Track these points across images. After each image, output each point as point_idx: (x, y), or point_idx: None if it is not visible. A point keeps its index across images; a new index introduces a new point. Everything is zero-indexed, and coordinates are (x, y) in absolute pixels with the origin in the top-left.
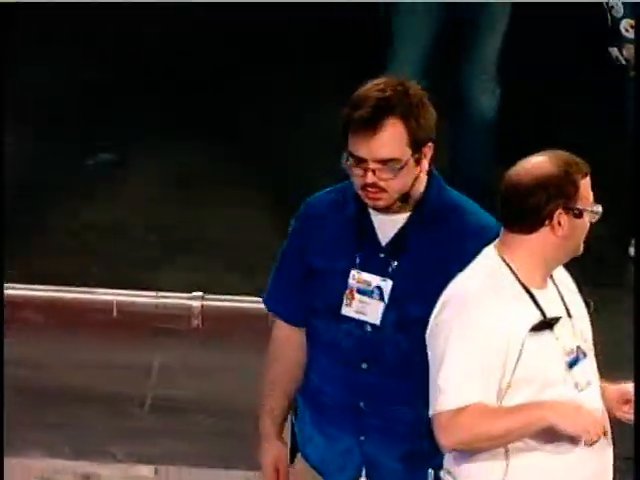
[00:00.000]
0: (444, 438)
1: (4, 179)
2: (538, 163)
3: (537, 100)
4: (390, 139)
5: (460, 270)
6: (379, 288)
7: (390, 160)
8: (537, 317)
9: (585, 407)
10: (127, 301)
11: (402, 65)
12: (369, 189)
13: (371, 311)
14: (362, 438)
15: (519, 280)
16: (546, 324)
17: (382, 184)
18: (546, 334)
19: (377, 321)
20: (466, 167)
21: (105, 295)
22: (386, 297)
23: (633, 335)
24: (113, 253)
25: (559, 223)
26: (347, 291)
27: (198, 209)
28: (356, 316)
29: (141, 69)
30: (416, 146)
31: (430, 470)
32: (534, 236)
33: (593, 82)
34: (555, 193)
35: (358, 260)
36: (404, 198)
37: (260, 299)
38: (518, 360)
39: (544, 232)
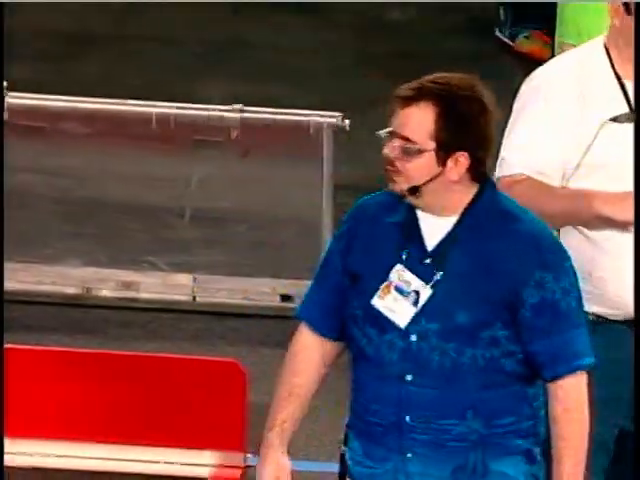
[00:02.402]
0: None
1: (4, 179)
2: None
3: None
4: (415, 120)
5: (508, 277)
6: (417, 293)
7: (407, 140)
8: (623, 108)
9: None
10: (166, 113)
11: None
12: (388, 167)
13: (401, 313)
14: (409, 455)
15: (614, 68)
16: (629, 117)
17: (398, 164)
18: (625, 127)
19: (403, 325)
20: None
21: (145, 107)
22: (420, 304)
23: (634, 335)
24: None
25: None
26: (385, 284)
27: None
28: (383, 311)
29: None
30: (444, 145)
31: None
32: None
33: None
34: None
35: (405, 256)
36: (413, 191)
37: (299, 111)
38: (591, 145)
39: None
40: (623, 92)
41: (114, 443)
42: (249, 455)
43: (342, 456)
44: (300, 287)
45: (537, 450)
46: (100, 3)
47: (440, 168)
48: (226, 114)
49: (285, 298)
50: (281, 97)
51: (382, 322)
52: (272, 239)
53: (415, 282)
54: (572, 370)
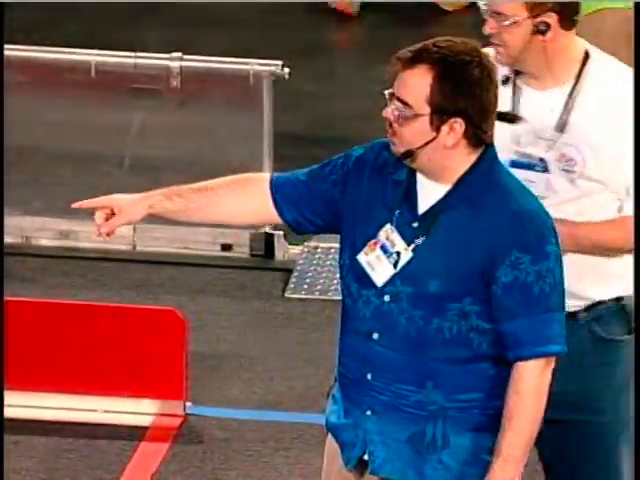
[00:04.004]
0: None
1: (3, 180)
2: None
3: None
4: (411, 83)
5: (484, 252)
6: (398, 254)
7: (404, 103)
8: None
9: None
10: (105, 61)
11: None
12: (387, 128)
13: (380, 271)
14: (368, 413)
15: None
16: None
17: (395, 126)
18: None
19: (379, 283)
20: None
21: (83, 55)
22: (399, 266)
23: (634, 336)
24: (94, 10)
25: None
26: (372, 241)
27: None
28: (365, 267)
29: None
30: (439, 110)
31: None
32: None
33: None
34: None
35: (396, 217)
36: (406, 155)
37: (239, 59)
38: None
39: None
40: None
41: (52, 392)
42: (189, 404)
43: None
44: (240, 237)
45: None
46: None
47: (434, 133)
48: (165, 62)
49: (225, 247)
50: (218, 45)
51: (362, 277)
52: None
53: (399, 243)
54: (534, 355)
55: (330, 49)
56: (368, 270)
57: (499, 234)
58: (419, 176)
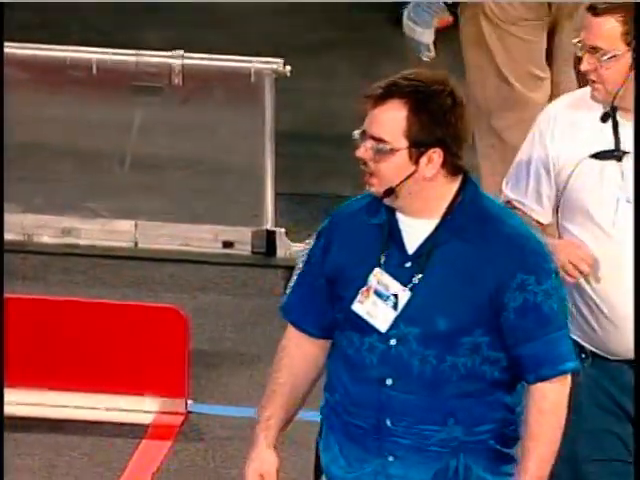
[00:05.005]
0: None
1: (3, 181)
2: None
3: None
4: (386, 119)
5: (489, 281)
6: (395, 297)
7: (379, 140)
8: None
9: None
10: (107, 59)
11: None
12: (363, 168)
13: (381, 317)
14: (390, 459)
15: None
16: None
17: (370, 165)
18: (610, 164)
19: (383, 329)
20: None
21: (85, 53)
22: (399, 308)
23: (634, 336)
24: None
25: None
26: (364, 288)
27: None
28: (363, 316)
29: None
30: (417, 142)
31: None
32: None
33: None
34: None
35: (384, 260)
36: (388, 193)
37: (241, 57)
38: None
39: None
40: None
41: (53, 389)
42: (190, 402)
43: (317, 447)
44: (242, 234)
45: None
46: None
47: (414, 167)
48: (167, 60)
49: (227, 245)
50: (219, 43)
51: (362, 325)
52: (213, 186)
53: (394, 285)
54: (556, 374)
55: (331, 47)
56: (367, 318)
57: (501, 261)
58: (400, 216)
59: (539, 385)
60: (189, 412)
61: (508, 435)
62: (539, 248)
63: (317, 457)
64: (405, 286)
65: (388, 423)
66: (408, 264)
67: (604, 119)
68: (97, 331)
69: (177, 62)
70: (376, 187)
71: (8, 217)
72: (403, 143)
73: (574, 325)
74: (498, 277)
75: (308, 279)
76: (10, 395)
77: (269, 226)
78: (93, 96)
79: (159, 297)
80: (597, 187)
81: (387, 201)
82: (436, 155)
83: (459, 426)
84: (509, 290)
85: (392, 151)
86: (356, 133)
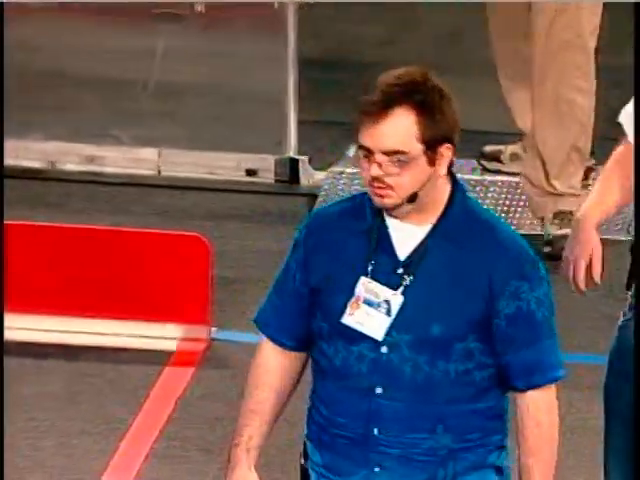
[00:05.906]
0: None
1: (3, 182)
2: None
3: None
4: (397, 129)
5: (483, 287)
6: (387, 302)
7: (395, 152)
8: None
9: None
10: None
11: None
12: (375, 184)
13: (374, 325)
14: (377, 470)
15: None
16: None
17: (388, 180)
18: None
19: (379, 337)
20: None
21: None
22: (393, 313)
23: (634, 338)
24: None
25: None
26: (353, 299)
27: None
28: (356, 327)
29: None
30: (430, 143)
31: None
32: None
33: None
34: None
35: (370, 268)
36: (412, 199)
37: None
38: None
39: None
40: None
41: (77, 316)
42: (213, 329)
43: (303, 470)
44: (265, 162)
45: (505, 463)
46: None
47: (431, 168)
48: None
49: (250, 173)
50: None
51: (351, 334)
52: (236, 114)
53: (383, 291)
54: (547, 381)
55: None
56: (359, 328)
57: (494, 267)
58: (391, 220)
59: (530, 395)
60: (212, 339)
61: (496, 444)
62: (531, 255)
63: (303, 477)
64: (395, 290)
65: (375, 432)
66: (400, 270)
67: None
68: (120, 259)
69: None
70: (394, 199)
71: (31, 145)
72: (419, 148)
73: None
74: (492, 283)
75: (284, 290)
76: (35, 321)
77: (292, 154)
78: (116, 24)
79: (182, 225)
80: None
81: (405, 208)
82: (447, 150)
83: (448, 433)
84: (502, 297)
85: (413, 159)
86: (361, 153)
